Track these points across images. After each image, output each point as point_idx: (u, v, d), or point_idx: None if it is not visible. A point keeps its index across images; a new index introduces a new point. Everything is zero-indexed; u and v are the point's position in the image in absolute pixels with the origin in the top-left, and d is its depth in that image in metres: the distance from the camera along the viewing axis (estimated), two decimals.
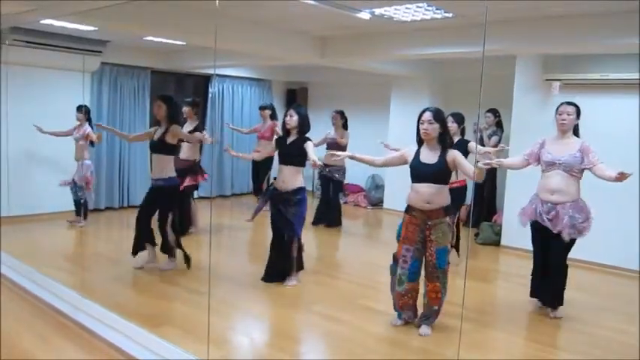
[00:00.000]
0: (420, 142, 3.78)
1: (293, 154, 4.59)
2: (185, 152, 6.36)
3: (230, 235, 7.03)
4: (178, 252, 5.04)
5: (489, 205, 7.10)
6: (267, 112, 7.96)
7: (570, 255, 4.01)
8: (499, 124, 6.99)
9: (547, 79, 5.98)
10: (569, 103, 4.14)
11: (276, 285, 4.71)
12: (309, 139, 4.63)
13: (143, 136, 5.28)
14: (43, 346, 3.48)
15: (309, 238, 6.87)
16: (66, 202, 6.70)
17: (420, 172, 3.70)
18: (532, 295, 4.39)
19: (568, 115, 4.07)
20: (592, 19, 4.44)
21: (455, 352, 3.18)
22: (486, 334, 3.96)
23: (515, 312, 4.33)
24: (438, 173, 3.66)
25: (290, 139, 4.65)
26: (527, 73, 6.22)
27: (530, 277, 4.39)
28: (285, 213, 4.58)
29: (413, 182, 3.74)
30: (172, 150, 5.05)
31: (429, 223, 3.67)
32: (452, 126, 4.99)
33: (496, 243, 6.48)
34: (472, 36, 4.90)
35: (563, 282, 4.15)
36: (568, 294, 4.16)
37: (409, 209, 3.76)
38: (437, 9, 4.55)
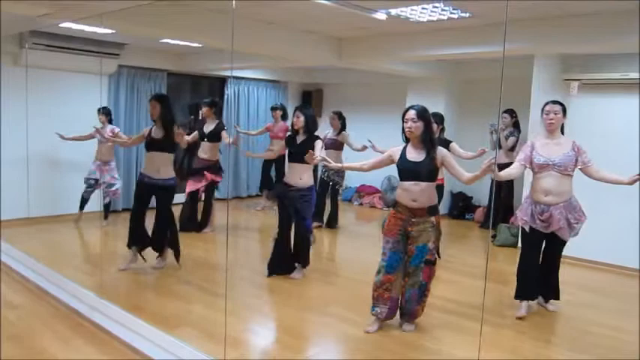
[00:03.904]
0: (407, 140, 3.79)
1: (303, 152, 4.70)
2: (206, 152, 6.46)
3: (246, 236, 7.05)
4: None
5: (506, 207, 7.02)
6: (279, 112, 8.09)
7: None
8: (516, 125, 6.92)
9: (566, 79, 5.91)
10: (554, 102, 4.08)
11: (293, 286, 4.77)
12: (319, 138, 4.92)
13: (140, 139, 5.15)
14: (62, 347, 3.51)
15: (318, 239, 6.88)
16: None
17: (407, 170, 3.72)
18: (522, 297, 4.26)
19: (555, 114, 4.01)
20: (612, 17, 4.38)
21: (474, 354, 3.15)
22: (505, 336, 3.92)
23: (530, 314, 4.28)
24: (425, 171, 3.67)
25: (300, 139, 4.92)
26: (545, 73, 6.14)
27: (517, 279, 4.29)
28: (298, 208, 4.84)
29: (401, 180, 3.78)
30: (171, 148, 4.97)
31: (413, 220, 3.72)
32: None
33: (514, 245, 6.40)
34: (489, 36, 4.86)
35: (558, 278, 4.32)
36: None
37: (396, 204, 3.82)
38: (453, 9, 4.52)
